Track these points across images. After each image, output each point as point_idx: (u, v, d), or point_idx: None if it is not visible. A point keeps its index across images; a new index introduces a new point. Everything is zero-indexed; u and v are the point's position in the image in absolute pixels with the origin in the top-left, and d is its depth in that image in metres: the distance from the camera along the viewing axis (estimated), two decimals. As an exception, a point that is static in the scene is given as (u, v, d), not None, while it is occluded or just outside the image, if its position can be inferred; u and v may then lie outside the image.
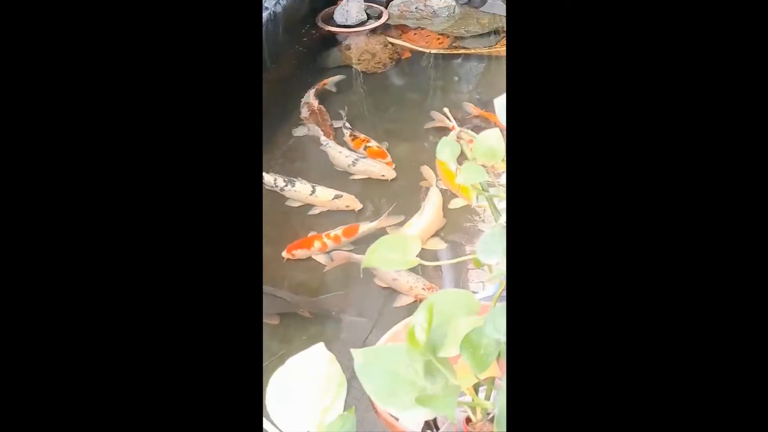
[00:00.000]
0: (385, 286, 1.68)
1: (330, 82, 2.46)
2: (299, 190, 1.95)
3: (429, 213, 1.80)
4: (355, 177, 2.03)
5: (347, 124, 2.23)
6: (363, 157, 2.08)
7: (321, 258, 1.77)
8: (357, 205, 1.92)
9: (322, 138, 2.16)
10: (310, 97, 2.35)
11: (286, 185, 1.96)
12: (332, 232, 1.79)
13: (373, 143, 2.14)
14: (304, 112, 2.31)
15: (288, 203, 1.94)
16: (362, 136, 2.17)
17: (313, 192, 1.94)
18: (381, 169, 2.03)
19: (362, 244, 1.80)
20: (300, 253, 1.78)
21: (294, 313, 1.61)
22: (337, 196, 1.93)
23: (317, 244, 1.78)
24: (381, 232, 1.80)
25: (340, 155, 2.10)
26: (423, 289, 1.65)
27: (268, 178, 1.98)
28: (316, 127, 2.22)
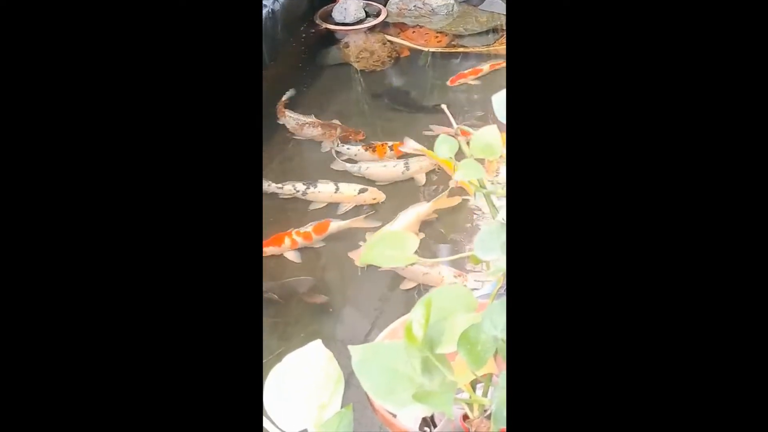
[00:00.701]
0: (414, 285, 1.66)
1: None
2: (322, 191, 1.93)
3: (402, 225, 1.76)
4: (419, 180, 1.98)
5: (337, 144, 2.14)
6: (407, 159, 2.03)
7: (291, 255, 1.76)
8: (382, 197, 1.91)
9: (362, 164, 2.05)
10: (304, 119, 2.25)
11: (308, 188, 1.94)
12: (302, 229, 1.79)
13: (389, 143, 2.11)
14: (313, 131, 2.21)
15: (312, 206, 1.92)
16: (378, 142, 2.13)
17: (337, 190, 1.93)
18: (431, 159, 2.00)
19: (333, 241, 1.79)
20: (271, 251, 1.77)
21: (291, 311, 1.61)
22: (362, 191, 1.93)
23: (287, 241, 1.77)
24: (353, 231, 1.80)
25: (386, 169, 2.02)
26: (455, 276, 1.64)
27: (287, 187, 1.95)
28: (361, 150, 2.12)
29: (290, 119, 2.24)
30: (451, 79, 2.38)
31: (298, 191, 1.94)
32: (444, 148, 0.71)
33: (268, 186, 1.94)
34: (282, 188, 1.95)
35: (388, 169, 2.03)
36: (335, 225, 1.80)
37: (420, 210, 1.82)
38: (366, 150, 2.11)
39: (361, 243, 1.76)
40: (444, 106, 0.81)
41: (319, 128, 2.21)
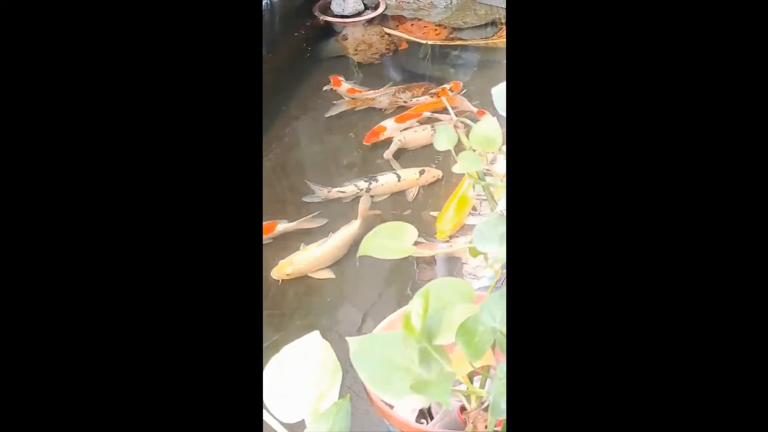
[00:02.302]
0: None
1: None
2: (385, 183, 1.89)
3: (330, 246, 1.70)
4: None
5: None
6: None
7: None
8: (439, 173, 1.94)
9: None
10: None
11: (370, 184, 1.89)
12: None
13: (446, 85, 2.26)
14: (407, 94, 2.26)
15: (375, 200, 1.88)
16: (436, 89, 2.23)
17: (399, 179, 1.91)
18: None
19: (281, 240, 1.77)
20: None
21: (288, 302, 1.61)
22: (421, 172, 1.92)
23: None
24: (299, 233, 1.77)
25: (416, 134, 2.07)
26: None
27: (349, 188, 1.88)
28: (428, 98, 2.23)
29: (383, 98, 2.26)
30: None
31: (361, 189, 1.88)
32: (443, 139, 0.71)
33: (329, 191, 1.88)
34: (344, 191, 1.88)
35: (418, 134, 2.06)
36: (281, 226, 1.76)
37: (350, 230, 1.75)
38: (432, 96, 2.19)
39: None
40: (444, 99, 0.81)
41: (407, 92, 2.27)
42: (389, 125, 2.07)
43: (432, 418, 0.94)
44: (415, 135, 2.05)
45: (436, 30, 2.76)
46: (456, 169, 0.68)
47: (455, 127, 0.70)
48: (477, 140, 0.69)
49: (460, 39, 2.70)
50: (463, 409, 0.78)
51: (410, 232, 0.73)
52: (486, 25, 2.79)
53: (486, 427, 0.70)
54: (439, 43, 2.67)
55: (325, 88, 2.35)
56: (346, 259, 1.71)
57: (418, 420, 0.94)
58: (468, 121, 0.73)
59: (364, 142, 2.05)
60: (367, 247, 0.73)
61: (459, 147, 0.72)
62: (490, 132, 0.69)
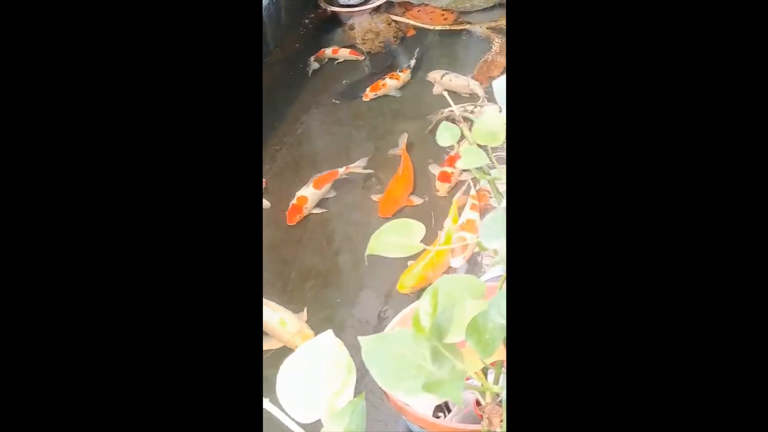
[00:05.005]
0: None
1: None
2: None
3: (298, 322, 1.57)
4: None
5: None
6: None
7: None
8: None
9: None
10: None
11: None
12: None
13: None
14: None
15: None
16: None
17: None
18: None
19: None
20: None
21: (305, 297, 1.62)
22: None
23: None
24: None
25: None
26: None
27: None
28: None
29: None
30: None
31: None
32: (446, 135, 0.70)
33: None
34: None
35: (454, 81, 2.24)
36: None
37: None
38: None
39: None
40: (445, 93, 0.80)
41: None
42: (309, 192, 1.86)
43: (449, 411, 0.94)
44: (451, 83, 2.22)
45: (443, 15, 2.74)
46: (460, 164, 0.68)
47: (458, 121, 0.70)
48: (480, 135, 0.69)
49: (467, 23, 2.67)
50: (478, 402, 0.78)
51: (418, 229, 0.73)
52: (494, 6, 2.75)
53: (501, 421, 0.70)
54: (446, 28, 2.64)
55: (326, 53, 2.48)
56: (360, 250, 1.71)
57: (435, 414, 0.94)
58: (470, 116, 0.72)
59: (287, 222, 1.82)
60: (375, 246, 0.73)
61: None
62: (494, 126, 0.68)
